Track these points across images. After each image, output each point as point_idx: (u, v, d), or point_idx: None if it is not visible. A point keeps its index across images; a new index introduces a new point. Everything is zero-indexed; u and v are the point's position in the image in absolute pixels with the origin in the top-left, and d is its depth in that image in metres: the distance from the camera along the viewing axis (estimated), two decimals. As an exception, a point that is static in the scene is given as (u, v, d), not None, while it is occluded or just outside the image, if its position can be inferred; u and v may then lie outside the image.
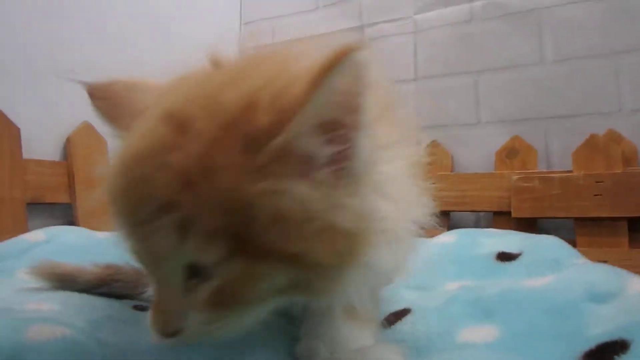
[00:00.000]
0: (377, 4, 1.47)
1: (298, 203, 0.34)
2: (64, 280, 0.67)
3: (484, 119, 1.32)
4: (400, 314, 0.62)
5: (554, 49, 1.24)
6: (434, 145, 1.36)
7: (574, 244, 1.12)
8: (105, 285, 0.67)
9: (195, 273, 0.37)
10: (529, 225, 1.19)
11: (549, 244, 0.82)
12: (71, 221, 1.17)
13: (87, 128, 1.22)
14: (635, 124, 1.16)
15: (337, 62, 0.31)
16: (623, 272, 0.61)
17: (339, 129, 0.35)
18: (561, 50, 1.24)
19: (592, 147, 1.16)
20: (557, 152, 1.25)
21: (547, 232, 1.14)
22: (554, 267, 0.74)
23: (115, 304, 0.63)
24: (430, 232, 0.51)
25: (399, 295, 0.68)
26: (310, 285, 0.37)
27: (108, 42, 1.29)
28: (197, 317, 0.38)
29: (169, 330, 0.38)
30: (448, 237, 0.91)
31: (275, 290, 0.37)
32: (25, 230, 1.05)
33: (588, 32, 1.21)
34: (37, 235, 0.95)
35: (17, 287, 0.70)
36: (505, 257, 0.83)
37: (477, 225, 1.30)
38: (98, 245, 0.93)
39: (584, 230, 1.13)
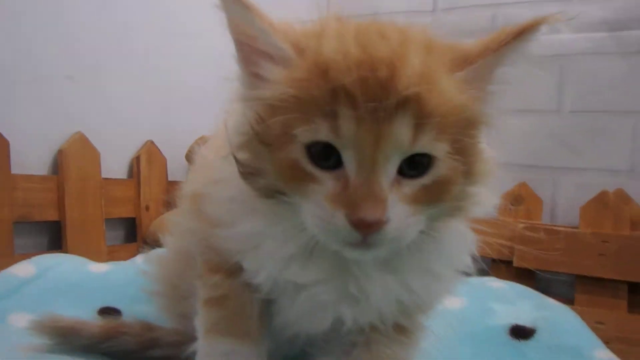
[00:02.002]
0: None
1: (481, 117, 0.43)
2: (66, 335, 0.63)
3: (492, 160, 1.30)
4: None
5: (573, 100, 1.22)
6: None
7: (572, 302, 1.13)
8: (110, 340, 0.63)
9: (400, 169, 0.40)
10: (528, 276, 1.19)
11: (566, 322, 0.81)
12: (59, 238, 1.10)
13: (80, 140, 1.14)
14: (644, 185, 1.16)
15: (534, 29, 0.42)
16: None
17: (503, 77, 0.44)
18: (580, 102, 1.22)
19: (602, 204, 1.16)
20: (563, 205, 1.24)
21: (546, 285, 1.14)
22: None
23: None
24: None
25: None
26: (461, 199, 0.44)
27: (112, 41, 1.19)
28: (400, 209, 0.40)
29: (382, 216, 0.39)
30: (455, 300, 0.89)
31: (455, 193, 0.43)
32: (12, 251, 0.98)
33: (609, 87, 1.19)
34: (26, 269, 0.87)
35: (13, 342, 0.65)
36: (520, 332, 0.81)
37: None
38: (94, 281, 0.91)
39: (585, 288, 1.14)
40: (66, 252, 1.07)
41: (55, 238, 1.10)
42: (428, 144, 0.39)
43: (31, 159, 1.06)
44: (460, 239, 0.51)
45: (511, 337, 0.81)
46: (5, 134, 0.99)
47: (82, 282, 0.89)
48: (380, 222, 0.39)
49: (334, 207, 0.39)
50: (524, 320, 0.83)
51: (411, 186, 0.41)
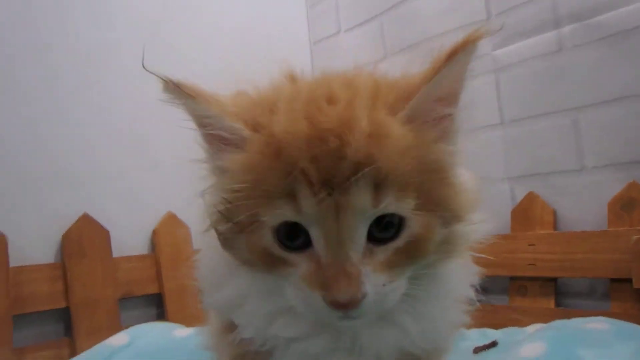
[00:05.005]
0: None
1: (442, 154, 0.41)
2: None
3: (590, 163, 1.11)
4: None
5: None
6: (530, 197, 1.18)
7: None
8: None
9: (370, 236, 0.39)
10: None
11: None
12: (162, 310, 1.24)
13: (171, 218, 1.29)
14: None
15: (467, 48, 0.39)
16: None
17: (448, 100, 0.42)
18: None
19: None
20: (692, 200, 0.99)
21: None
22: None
23: None
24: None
25: None
26: (448, 242, 0.42)
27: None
28: (376, 279, 0.39)
29: (359, 295, 0.38)
30: (534, 348, 0.75)
31: (434, 247, 0.41)
32: (119, 325, 1.13)
33: None
34: (120, 339, 1.01)
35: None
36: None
37: (591, 294, 1.08)
38: (177, 347, 0.98)
39: None
40: (168, 320, 1.20)
41: (160, 309, 1.24)
42: (392, 204, 0.38)
43: (129, 241, 1.23)
44: (459, 271, 0.49)
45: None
46: (105, 225, 1.17)
47: (167, 347, 0.99)
48: (355, 300, 0.38)
49: (311, 288, 0.40)
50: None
51: (384, 252, 0.40)
